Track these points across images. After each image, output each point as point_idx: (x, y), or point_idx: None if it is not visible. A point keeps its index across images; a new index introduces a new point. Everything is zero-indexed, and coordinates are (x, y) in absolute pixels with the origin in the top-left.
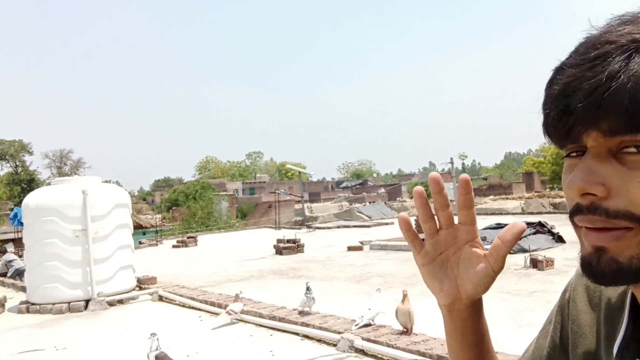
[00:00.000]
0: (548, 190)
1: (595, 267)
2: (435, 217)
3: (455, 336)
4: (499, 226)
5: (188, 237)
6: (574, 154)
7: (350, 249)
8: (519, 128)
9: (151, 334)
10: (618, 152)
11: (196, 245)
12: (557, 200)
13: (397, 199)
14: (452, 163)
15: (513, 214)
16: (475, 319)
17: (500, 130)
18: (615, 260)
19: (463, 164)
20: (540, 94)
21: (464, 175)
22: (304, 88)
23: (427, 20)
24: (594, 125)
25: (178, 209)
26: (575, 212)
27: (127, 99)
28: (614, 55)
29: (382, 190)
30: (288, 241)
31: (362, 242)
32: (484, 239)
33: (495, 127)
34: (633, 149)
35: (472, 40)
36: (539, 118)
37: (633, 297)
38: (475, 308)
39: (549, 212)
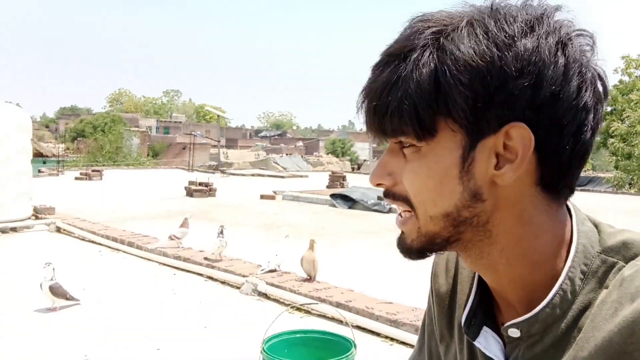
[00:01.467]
0: None
1: (398, 245)
2: None
3: None
4: None
5: (93, 171)
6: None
7: (263, 197)
8: None
9: (46, 263)
10: (402, 148)
11: (101, 179)
12: None
13: (314, 153)
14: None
15: None
16: None
17: None
18: (404, 241)
19: None
20: None
21: None
22: (232, 31)
23: None
24: (375, 132)
25: (84, 140)
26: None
27: (36, 15)
28: (379, 66)
29: (300, 143)
30: (200, 184)
31: (275, 192)
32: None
33: None
34: (405, 146)
35: None
36: None
37: None
38: None
39: None
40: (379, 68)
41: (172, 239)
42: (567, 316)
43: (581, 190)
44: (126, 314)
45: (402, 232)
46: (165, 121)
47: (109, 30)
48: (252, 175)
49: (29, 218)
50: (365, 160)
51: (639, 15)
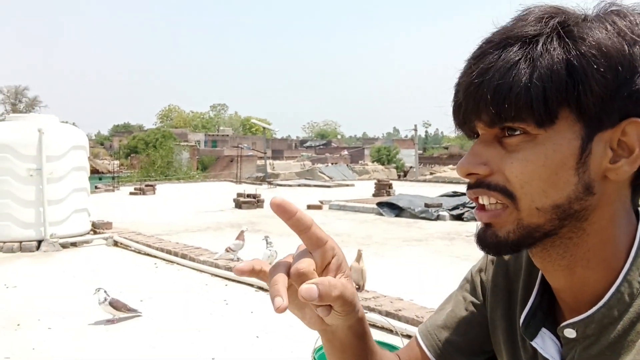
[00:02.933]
0: None
1: (482, 240)
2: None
3: (334, 352)
4: (455, 194)
5: (146, 185)
6: (475, 138)
7: (309, 207)
8: None
9: (96, 289)
10: (501, 137)
11: (154, 193)
12: None
13: (360, 161)
14: (415, 130)
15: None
16: (355, 340)
17: None
18: (496, 234)
19: (426, 132)
20: None
21: (274, 200)
22: (276, 45)
23: None
24: (477, 117)
25: (137, 156)
26: (467, 188)
27: (90, 38)
28: (491, 52)
29: (346, 152)
30: (248, 195)
31: (321, 202)
32: (439, 205)
33: None
34: (511, 134)
35: (443, 9)
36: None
37: None
38: (355, 331)
39: None
40: (494, 50)
41: (227, 251)
42: (623, 318)
43: None
44: (181, 324)
45: (489, 226)
46: (213, 135)
47: (157, 49)
48: (299, 185)
49: (88, 233)
50: (411, 167)
51: None
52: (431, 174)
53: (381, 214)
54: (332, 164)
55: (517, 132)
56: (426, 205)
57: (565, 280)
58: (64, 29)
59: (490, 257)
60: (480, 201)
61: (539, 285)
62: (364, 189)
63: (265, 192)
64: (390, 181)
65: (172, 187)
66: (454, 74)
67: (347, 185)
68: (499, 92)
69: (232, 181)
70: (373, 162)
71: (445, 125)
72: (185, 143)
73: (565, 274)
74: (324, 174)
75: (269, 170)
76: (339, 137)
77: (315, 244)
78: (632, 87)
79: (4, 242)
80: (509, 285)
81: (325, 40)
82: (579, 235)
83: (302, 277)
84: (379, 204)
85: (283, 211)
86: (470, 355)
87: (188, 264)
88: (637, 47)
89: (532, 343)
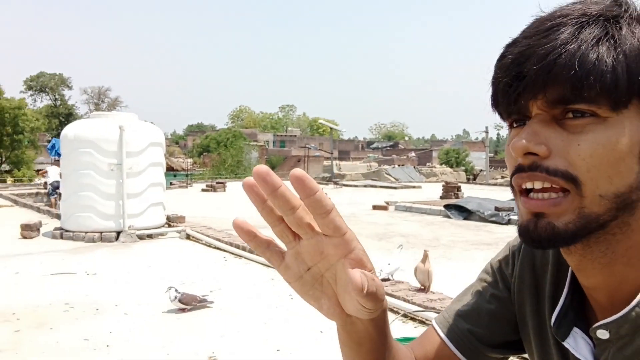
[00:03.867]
0: None
1: (532, 232)
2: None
3: (351, 345)
4: None
5: (217, 183)
6: (517, 125)
7: (375, 207)
8: None
9: (168, 288)
10: (562, 119)
11: (224, 191)
12: None
13: (427, 164)
14: (486, 132)
15: None
16: (375, 334)
17: None
18: (552, 225)
19: (498, 134)
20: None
21: (295, 171)
22: (343, 45)
23: None
24: (542, 91)
25: (209, 155)
26: (516, 172)
27: (168, 42)
28: (566, 26)
29: (413, 154)
30: None
31: (387, 202)
32: (510, 209)
33: None
34: (577, 115)
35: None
36: (489, 91)
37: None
38: (376, 324)
39: None
40: (569, 25)
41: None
42: None
43: None
44: (249, 316)
45: (541, 216)
46: (281, 135)
47: (230, 52)
48: (365, 186)
49: (163, 226)
50: (481, 171)
51: None
52: (502, 177)
53: (449, 217)
54: (398, 165)
55: (587, 115)
56: (496, 208)
57: (603, 279)
58: (144, 33)
59: (512, 249)
60: (531, 186)
61: (570, 284)
62: (431, 191)
63: (332, 192)
64: (459, 184)
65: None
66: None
67: (414, 187)
68: (583, 66)
69: None
70: (441, 164)
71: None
72: (255, 143)
73: (604, 272)
74: (390, 175)
75: (335, 170)
76: (406, 138)
77: (332, 232)
78: None
79: (86, 233)
80: (535, 281)
81: (393, 40)
82: (624, 231)
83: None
84: (447, 206)
85: (302, 186)
86: (492, 347)
87: (255, 259)
88: None
89: (564, 344)
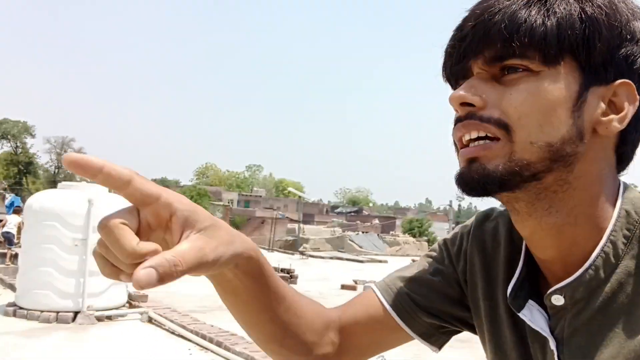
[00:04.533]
0: None
1: (466, 176)
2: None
3: (226, 296)
4: None
5: None
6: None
7: (343, 287)
8: None
9: None
10: (501, 76)
11: None
12: None
13: (391, 232)
14: (450, 206)
15: None
16: (249, 281)
17: None
18: (483, 167)
19: (459, 205)
20: None
21: (69, 156)
22: (312, 110)
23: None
24: (480, 51)
25: None
26: (454, 123)
27: (133, 95)
28: None
29: (377, 221)
30: (282, 270)
31: (355, 282)
32: None
33: None
34: (511, 71)
35: None
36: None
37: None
38: (244, 270)
39: None
40: (484, 3)
41: None
42: (611, 280)
43: None
44: None
45: (474, 161)
46: (246, 195)
47: (199, 107)
48: (331, 257)
49: (124, 305)
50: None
51: None
52: None
53: None
54: (362, 232)
55: (520, 70)
56: None
57: (553, 244)
58: (112, 84)
59: (462, 232)
60: (468, 137)
61: (524, 258)
62: (398, 267)
63: (298, 265)
64: None
65: None
66: None
67: (380, 261)
68: (513, 23)
69: (264, 248)
70: (404, 233)
71: (478, 200)
72: (219, 203)
73: (553, 234)
74: (355, 242)
75: (299, 234)
76: (370, 204)
77: (141, 202)
78: (629, 50)
79: (42, 312)
80: (486, 264)
81: (360, 106)
82: (565, 189)
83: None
84: None
85: (82, 168)
86: (429, 313)
87: (223, 354)
88: (638, 22)
89: (520, 314)
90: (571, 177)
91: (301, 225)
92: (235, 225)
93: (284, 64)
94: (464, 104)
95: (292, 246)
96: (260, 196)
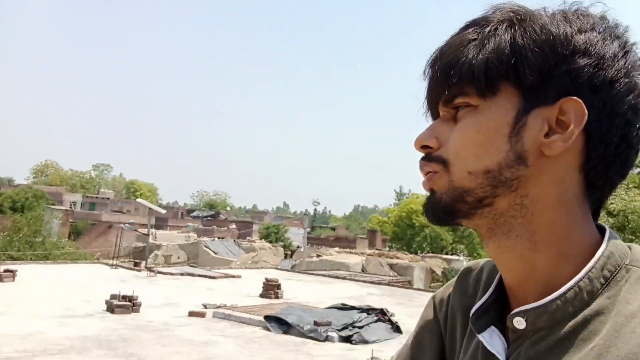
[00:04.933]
0: (387, 249)
1: (425, 204)
2: None
3: None
4: (344, 307)
5: (5, 271)
6: None
7: (192, 314)
8: (370, 183)
9: None
10: (455, 116)
11: (14, 280)
12: (394, 261)
13: (247, 238)
14: (306, 214)
15: (354, 271)
16: None
17: (352, 183)
18: (434, 197)
19: (315, 209)
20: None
21: None
22: (169, 109)
23: (308, 69)
24: (437, 95)
25: (2, 216)
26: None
27: None
28: (452, 36)
29: (234, 226)
30: (123, 297)
31: (205, 306)
32: (328, 323)
33: (348, 178)
34: (459, 109)
35: (341, 91)
36: None
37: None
38: None
39: (386, 275)
40: (458, 33)
41: None
42: (578, 316)
43: None
44: None
45: (432, 192)
46: (92, 197)
47: (38, 98)
48: (181, 274)
49: None
50: (298, 247)
51: None
52: (318, 256)
53: (269, 329)
54: (218, 238)
55: (463, 107)
56: (315, 323)
57: (514, 267)
58: None
59: (449, 283)
60: (423, 172)
61: (497, 283)
62: (252, 285)
63: (143, 285)
64: (279, 280)
65: (37, 271)
66: (342, 154)
67: (234, 276)
68: (452, 65)
69: (107, 264)
70: (261, 239)
71: (334, 204)
72: (59, 207)
73: (512, 257)
74: (210, 248)
75: (150, 240)
76: (228, 208)
77: None
78: (571, 65)
79: None
80: (467, 305)
81: (219, 106)
82: (523, 214)
83: None
84: (267, 318)
85: None
86: None
87: None
88: (583, 35)
89: (479, 336)
90: (527, 201)
91: (152, 231)
92: (78, 230)
93: (136, 57)
94: (423, 146)
95: (142, 253)
96: (108, 198)
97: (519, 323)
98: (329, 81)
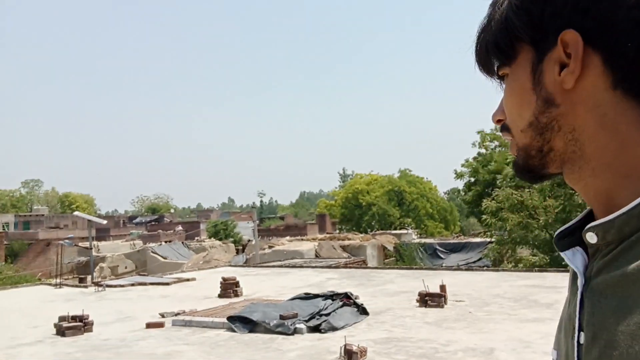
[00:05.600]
0: (338, 232)
1: (513, 169)
2: None
3: None
4: (308, 296)
5: None
6: None
7: (149, 325)
8: (313, 168)
9: None
10: None
11: None
12: (346, 242)
13: (196, 238)
14: (254, 207)
15: (308, 258)
16: None
17: (296, 169)
18: (515, 160)
19: (261, 201)
20: None
21: None
22: (95, 115)
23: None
24: (493, 72)
25: None
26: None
27: None
28: (490, 5)
29: (180, 227)
30: (73, 318)
31: (162, 315)
32: (295, 315)
33: (291, 165)
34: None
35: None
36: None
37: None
38: None
39: (340, 258)
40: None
41: None
42: None
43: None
44: None
45: (515, 157)
46: (25, 215)
47: None
48: (132, 285)
49: None
50: (249, 241)
51: (488, 92)
52: (270, 247)
53: (234, 330)
54: (165, 242)
55: (503, 77)
56: (281, 317)
57: (587, 194)
58: None
59: None
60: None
61: (587, 212)
62: (208, 286)
63: (93, 301)
64: (237, 278)
65: None
66: (283, 143)
67: (188, 279)
68: (480, 52)
69: (50, 284)
70: (210, 237)
71: (279, 194)
72: None
73: (582, 186)
74: (158, 254)
75: (94, 253)
76: (172, 210)
77: None
78: (554, 4)
79: None
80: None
81: (146, 106)
82: (579, 147)
83: None
84: (230, 319)
85: None
86: None
87: None
88: None
89: (562, 254)
90: (576, 134)
91: (94, 243)
92: (14, 252)
93: (54, 64)
94: (498, 120)
95: (87, 268)
96: (43, 215)
97: (592, 238)
98: (262, 67)
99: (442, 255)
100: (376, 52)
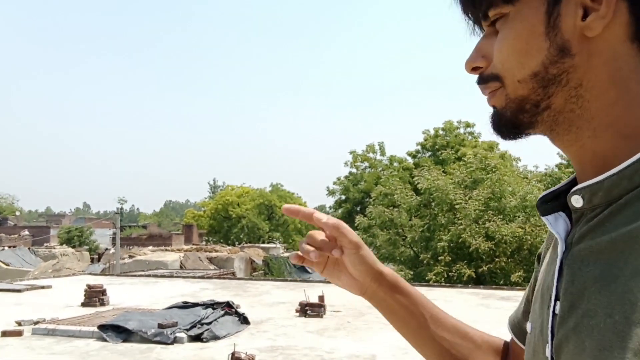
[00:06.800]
0: (205, 243)
1: (491, 124)
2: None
3: (389, 317)
4: (186, 305)
5: None
6: None
7: (6, 334)
8: (180, 177)
9: None
10: (496, 30)
11: None
12: (214, 254)
13: (45, 244)
14: (117, 213)
15: (172, 269)
16: (393, 294)
17: (161, 177)
18: (497, 112)
19: (122, 208)
20: None
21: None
22: None
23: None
24: (480, 10)
25: None
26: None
27: None
28: None
29: (27, 232)
30: None
31: (19, 323)
32: (174, 324)
33: (157, 173)
34: (495, 22)
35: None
36: None
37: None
38: (387, 285)
39: (207, 269)
40: None
41: None
42: (634, 191)
43: None
44: None
45: (494, 109)
46: None
47: None
48: None
49: None
50: (107, 249)
51: (360, 113)
52: (130, 256)
53: (105, 339)
54: (9, 247)
55: (498, 18)
56: (160, 325)
57: (580, 158)
58: None
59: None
60: (485, 94)
61: (572, 178)
62: (69, 294)
63: None
64: (104, 287)
65: None
66: (148, 151)
67: (43, 287)
68: None
69: None
70: (62, 244)
71: (142, 201)
72: None
73: (576, 148)
74: (0, 260)
75: None
76: (17, 213)
77: (350, 245)
78: None
79: None
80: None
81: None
82: (580, 105)
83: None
84: (102, 327)
85: (293, 212)
86: None
87: None
88: None
89: (544, 218)
90: (581, 90)
91: None
92: None
93: None
94: (473, 68)
95: None
96: None
97: (577, 201)
98: (130, 65)
99: (309, 270)
100: (252, 62)
